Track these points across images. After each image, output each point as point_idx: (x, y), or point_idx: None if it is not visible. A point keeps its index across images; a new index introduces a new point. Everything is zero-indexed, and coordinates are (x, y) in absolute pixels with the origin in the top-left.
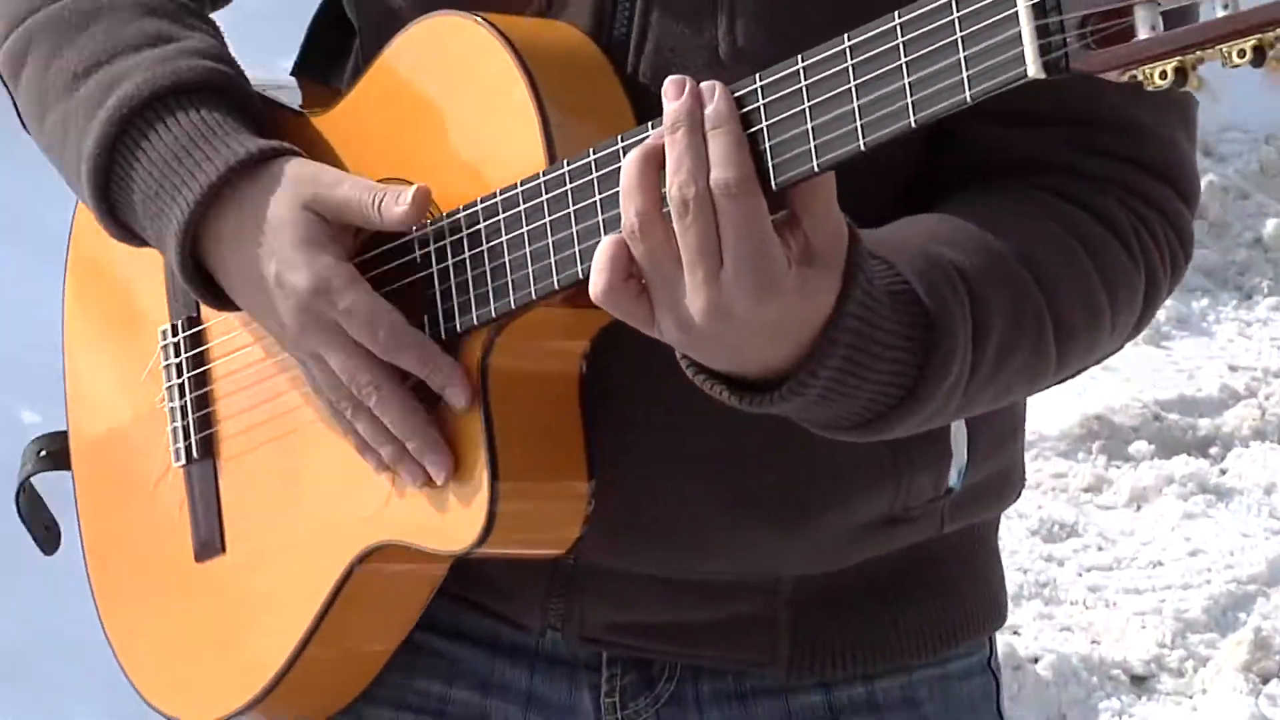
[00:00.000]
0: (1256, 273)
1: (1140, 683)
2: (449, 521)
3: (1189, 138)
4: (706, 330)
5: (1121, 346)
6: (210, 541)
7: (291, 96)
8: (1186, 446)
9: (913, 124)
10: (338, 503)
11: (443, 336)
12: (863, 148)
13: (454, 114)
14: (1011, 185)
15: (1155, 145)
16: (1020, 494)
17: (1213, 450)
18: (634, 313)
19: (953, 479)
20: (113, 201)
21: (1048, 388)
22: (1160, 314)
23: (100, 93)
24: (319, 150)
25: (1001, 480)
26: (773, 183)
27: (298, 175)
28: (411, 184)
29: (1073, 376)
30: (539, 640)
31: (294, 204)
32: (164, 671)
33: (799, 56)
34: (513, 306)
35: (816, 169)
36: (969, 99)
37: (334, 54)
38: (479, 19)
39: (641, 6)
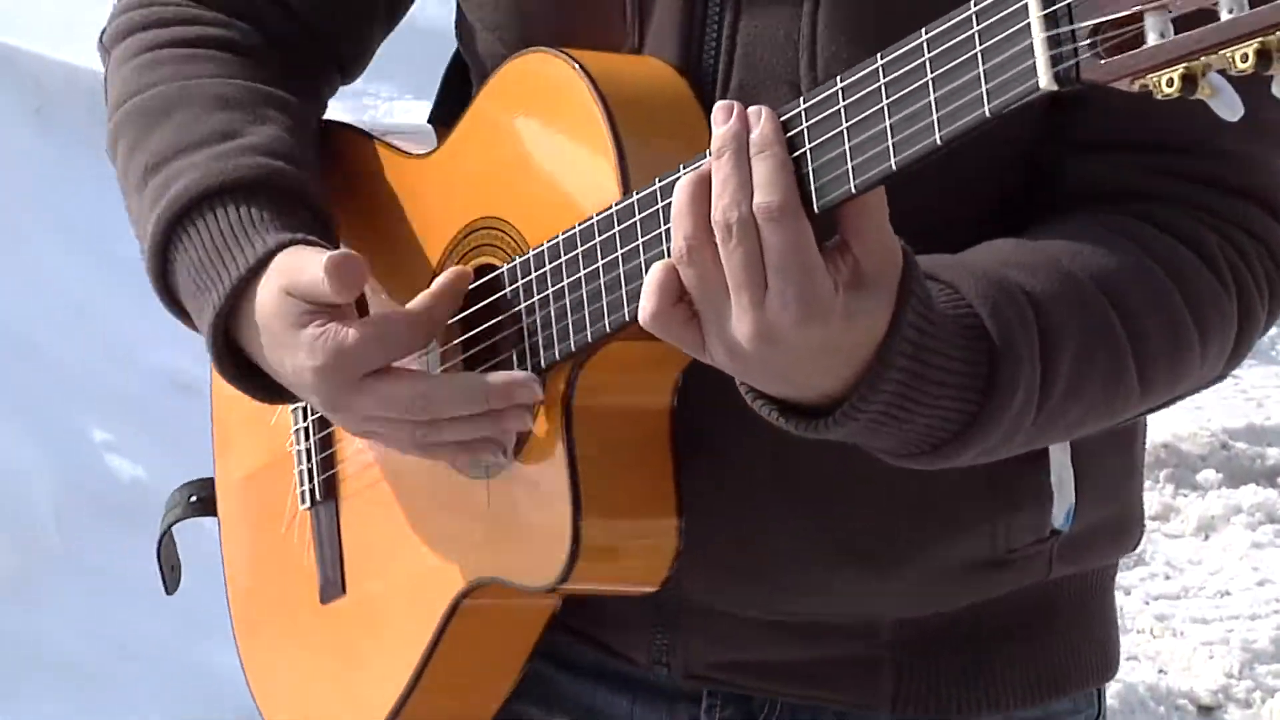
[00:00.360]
0: None
1: (1207, 713)
2: (536, 556)
3: None
4: (753, 355)
5: (1222, 374)
6: (333, 582)
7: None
8: (1255, 476)
9: (938, 141)
10: (441, 542)
11: (531, 372)
12: (894, 167)
13: (540, 149)
14: (1094, 212)
15: (1247, 169)
16: (1140, 542)
17: None
18: (684, 338)
19: (1059, 520)
20: (176, 299)
21: (1136, 417)
22: None
23: (158, 192)
24: (421, 192)
25: (1117, 525)
26: (815, 205)
27: (281, 265)
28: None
29: (1166, 405)
30: (647, 674)
31: (278, 292)
32: (293, 713)
33: (838, 77)
34: (590, 340)
35: (854, 190)
36: (988, 113)
37: (464, 100)
38: (563, 54)
39: (727, 44)
